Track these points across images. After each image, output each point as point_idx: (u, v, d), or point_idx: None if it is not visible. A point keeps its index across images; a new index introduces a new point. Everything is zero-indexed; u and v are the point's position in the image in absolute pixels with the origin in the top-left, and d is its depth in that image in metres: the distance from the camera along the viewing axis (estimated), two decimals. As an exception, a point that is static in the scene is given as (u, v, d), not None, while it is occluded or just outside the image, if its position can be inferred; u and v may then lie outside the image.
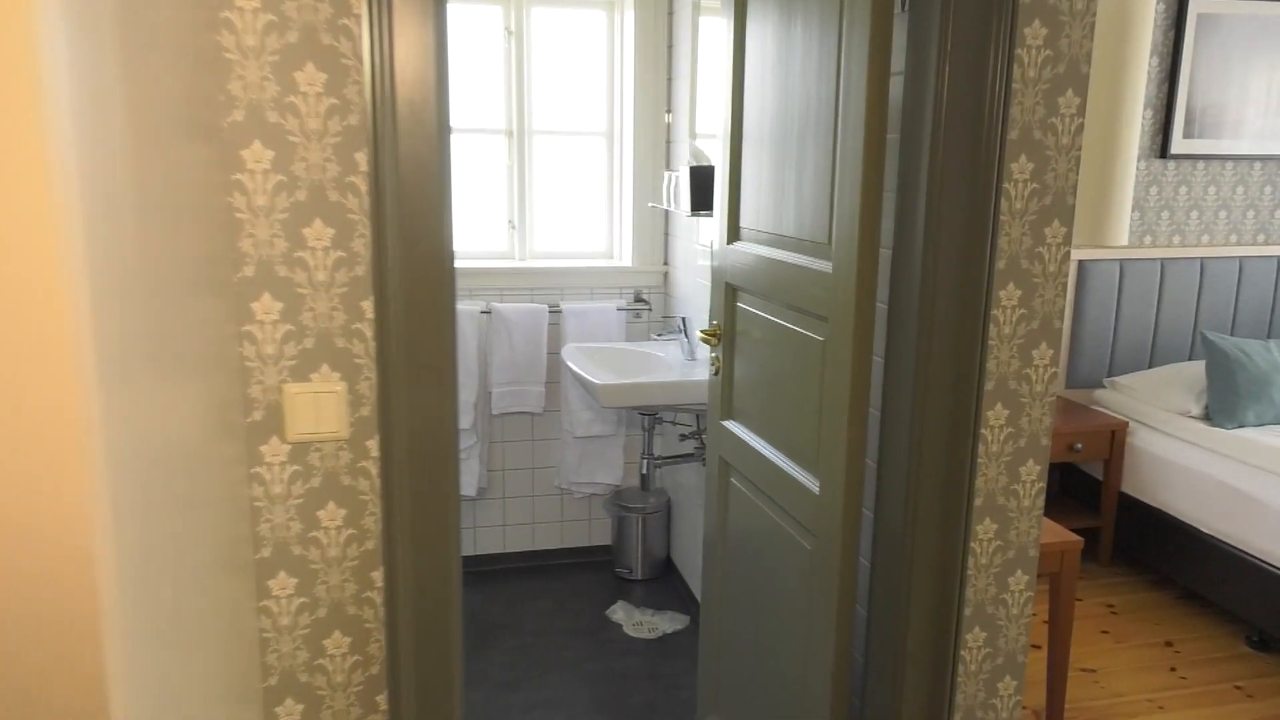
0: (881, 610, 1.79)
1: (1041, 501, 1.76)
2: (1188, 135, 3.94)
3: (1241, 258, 4.06)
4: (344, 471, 1.43)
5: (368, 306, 1.39)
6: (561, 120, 3.49)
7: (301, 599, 1.46)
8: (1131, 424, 3.77)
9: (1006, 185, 1.59)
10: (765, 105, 2.10)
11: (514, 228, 3.51)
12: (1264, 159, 4.06)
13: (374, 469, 1.44)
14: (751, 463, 2.23)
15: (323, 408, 1.39)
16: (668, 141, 3.42)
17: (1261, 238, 4.15)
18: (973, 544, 1.74)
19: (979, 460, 1.70)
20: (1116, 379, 3.95)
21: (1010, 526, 1.75)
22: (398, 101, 1.33)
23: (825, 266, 1.82)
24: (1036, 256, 1.64)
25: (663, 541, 3.58)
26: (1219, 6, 3.83)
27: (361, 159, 1.36)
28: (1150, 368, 4.02)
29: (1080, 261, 3.93)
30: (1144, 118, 3.90)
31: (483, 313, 3.31)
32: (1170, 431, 3.65)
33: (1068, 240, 1.65)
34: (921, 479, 1.69)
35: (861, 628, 1.93)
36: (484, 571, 3.57)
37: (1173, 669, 3.07)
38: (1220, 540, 3.29)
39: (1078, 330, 3.98)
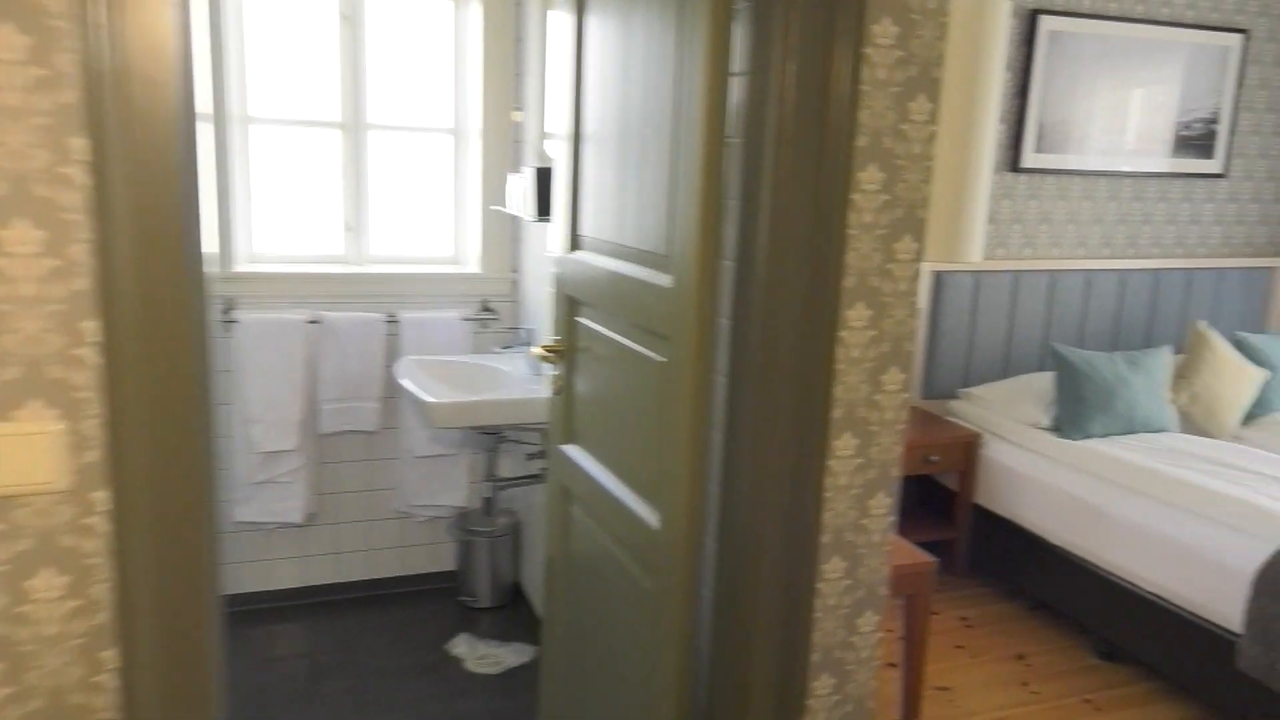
0: (724, 656, 1.63)
1: (891, 536, 1.63)
2: (1039, 150, 4.00)
3: (1088, 271, 4.15)
4: (63, 531, 1.17)
5: (92, 328, 1.13)
6: (403, 115, 3.23)
7: (8, 689, 1.18)
8: (985, 435, 3.78)
9: (855, 196, 1.46)
10: (606, 104, 1.92)
11: (350, 230, 3.22)
12: (1108, 175, 4.16)
13: (104, 526, 1.18)
14: (593, 492, 2.05)
15: (33, 453, 1.12)
16: (517, 141, 3.21)
17: (1107, 251, 4.26)
18: (820, 584, 1.60)
19: (826, 494, 1.56)
20: (971, 390, 3.97)
21: (860, 564, 1.62)
22: (130, 75, 1.08)
23: (665, 281, 1.66)
24: (887, 274, 1.51)
25: (511, 566, 3.36)
26: (1068, 25, 3.90)
27: (80, 145, 1.10)
28: (1004, 379, 4.06)
29: (937, 272, 3.93)
30: (998, 131, 3.93)
31: (310, 322, 3.01)
32: (1021, 443, 3.67)
33: (919, 257, 1.53)
34: (765, 515, 1.54)
35: (707, 670, 1.77)
36: (314, 604, 3.27)
37: (1025, 683, 3.06)
38: (1069, 552, 3.32)
39: (934, 341, 3.98)
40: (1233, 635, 2.71)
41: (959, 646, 3.29)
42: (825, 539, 1.59)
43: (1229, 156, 4.35)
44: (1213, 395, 3.76)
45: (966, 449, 3.69)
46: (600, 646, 2.09)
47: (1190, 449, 3.39)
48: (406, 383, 2.66)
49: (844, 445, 1.56)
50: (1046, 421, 3.67)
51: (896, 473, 1.61)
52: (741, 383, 1.52)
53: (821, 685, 1.65)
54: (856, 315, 1.51)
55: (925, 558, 2.59)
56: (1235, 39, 4.20)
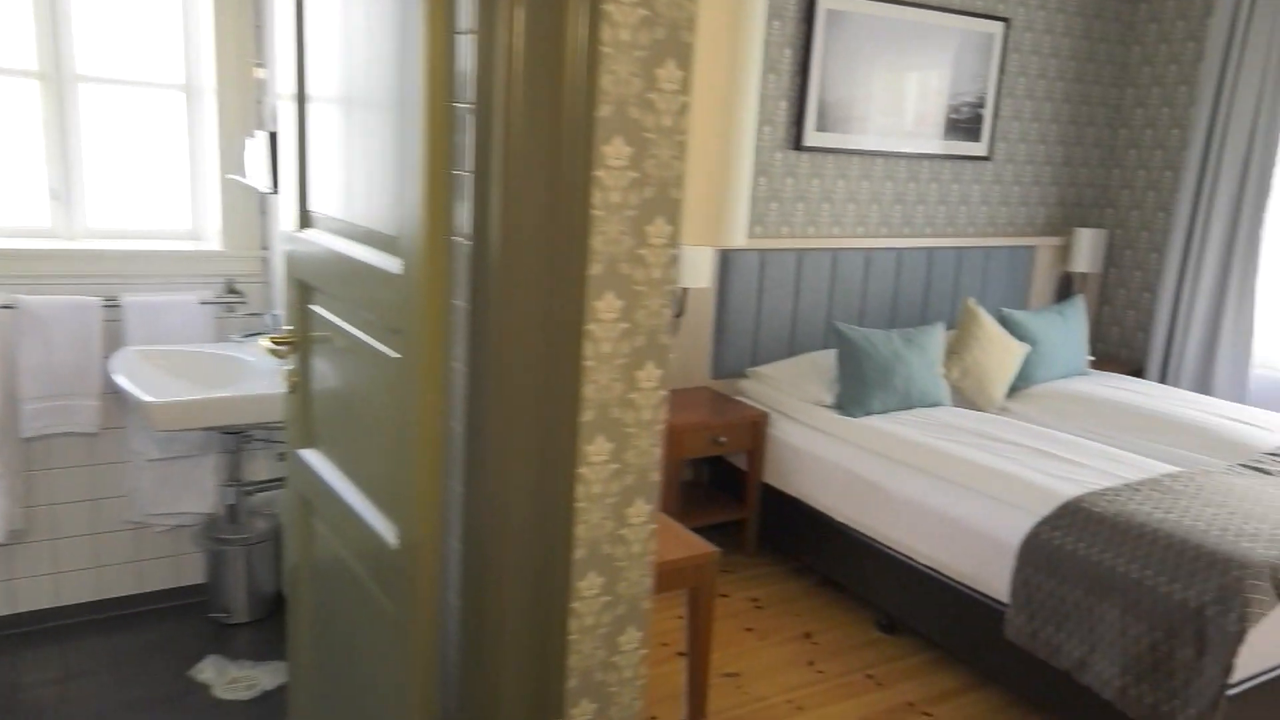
0: (472, 686, 1.44)
1: (654, 545, 1.50)
2: (820, 128, 4.01)
3: (868, 249, 4.24)
4: None
5: None
6: (121, 66, 2.79)
7: None
8: (772, 414, 3.78)
9: (599, 173, 1.29)
10: (330, 61, 1.66)
11: (57, 199, 2.77)
12: (886, 155, 4.24)
13: None
14: (332, 504, 1.80)
15: None
16: (259, 101, 2.85)
17: (885, 230, 4.36)
18: (575, 603, 1.44)
19: (579, 504, 1.40)
20: (760, 369, 3.96)
21: (619, 578, 1.48)
22: None
23: (395, 266, 1.44)
24: (639, 260, 1.36)
25: (271, 576, 3.03)
26: (846, 4, 3.92)
27: None
28: (792, 357, 4.08)
29: (723, 251, 3.87)
30: (780, 109, 3.91)
31: (3, 308, 2.56)
32: (806, 421, 3.69)
33: (675, 241, 1.38)
34: (512, 531, 1.36)
35: (456, 702, 1.58)
36: (28, 633, 2.83)
37: (811, 662, 3.07)
38: (851, 528, 3.36)
39: (722, 320, 3.94)
40: (1001, 605, 2.80)
41: (748, 629, 3.26)
42: (580, 554, 1.42)
43: (993, 140, 4.55)
44: (981, 370, 3.93)
45: (754, 429, 3.67)
46: (347, 672, 1.86)
47: (962, 423, 3.50)
48: (121, 379, 2.29)
49: (597, 450, 1.40)
50: (830, 399, 3.71)
51: (657, 477, 1.47)
52: (482, 386, 1.32)
53: (581, 711, 1.50)
54: (606, 306, 1.34)
55: (706, 548, 2.51)
56: (998, 26, 4.38)
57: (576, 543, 1.42)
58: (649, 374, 1.42)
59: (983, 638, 2.87)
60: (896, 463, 3.28)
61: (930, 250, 4.41)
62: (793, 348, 4.14)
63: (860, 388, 3.62)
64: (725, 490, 3.97)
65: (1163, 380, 4.63)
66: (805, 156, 4.04)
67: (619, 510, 1.44)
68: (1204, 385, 4.49)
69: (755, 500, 3.75)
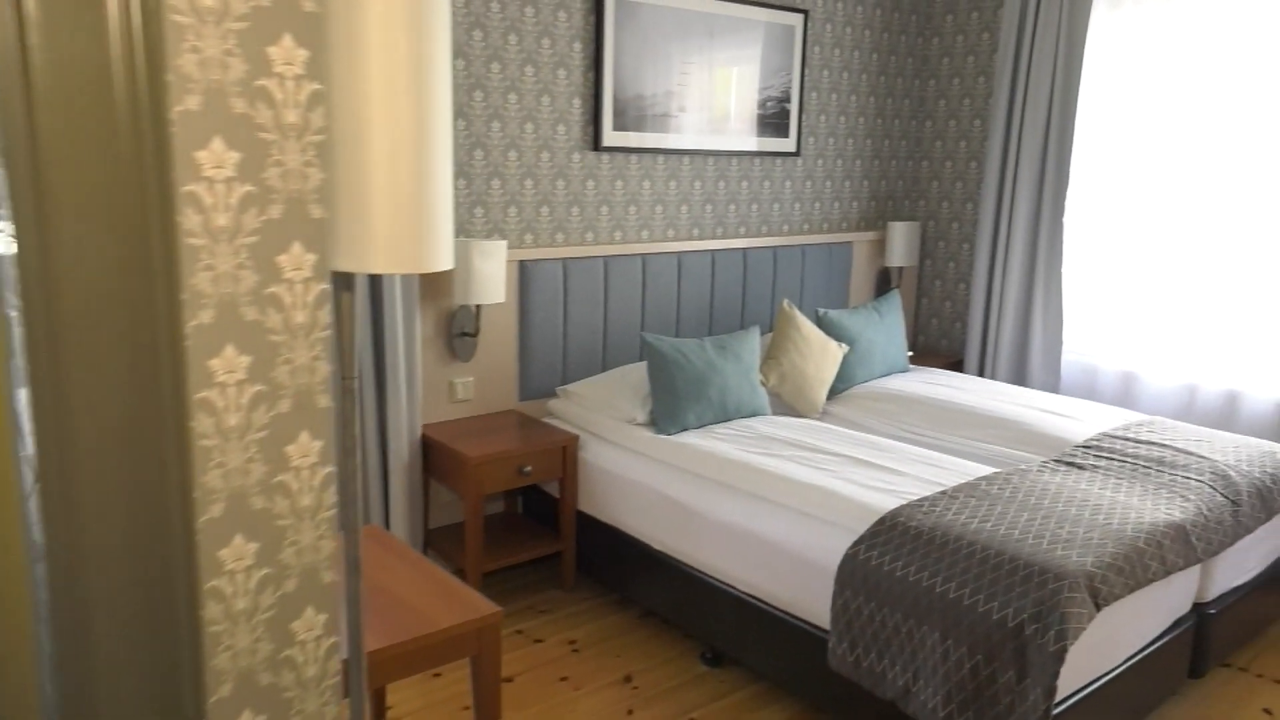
0: None
1: (334, 664, 1.16)
2: (619, 127, 3.76)
3: (680, 253, 4.02)
4: None
5: None
6: None
7: None
8: (583, 436, 3.50)
9: (195, 187, 0.94)
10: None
11: None
12: (692, 153, 4.03)
13: None
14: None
15: None
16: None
17: (696, 232, 4.15)
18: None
19: (214, 628, 1.05)
20: (569, 387, 3.67)
21: (289, 712, 1.13)
22: None
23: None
24: (271, 301, 1.02)
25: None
26: (638, -7, 3.68)
27: None
28: (604, 372, 3.81)
29: (522, 262, 3.56)
30: (574, 108, 3.63)
31: None
32: (619, 442, 3.43)
33: (322, 273, 1.05)
34: (117, 696, 1.00)
35: None
36: None
37: (630, 711, 2.79)
38: (669, 555, 3.11)
39: (525, 336, 3.62)
40: (824, 633, 2.60)
41: (563, 679, 2.96)
42: (225, 692, 1.07)
43: (801, 135, 4.43)
44: (800, 374, 3.76)
45: (564, 454, 3.38)
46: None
47: (780, 434, 3.31)
48: None
49: (235, 554, 1.05)
50: (643, 417, 3.45)
51: (331, 577, 1.13)
52: (51, 498, 0.95)
53: None
54: (226, 365, 1.00)
55: (488, 609, 2.18)
56: (797, 18, 4.24)
57: (221, 678, 1.07)
58: (304, 447, 1.08)
59: (809, 668, 2.67)
60: (712, 483, 3.05)
61: (745, 251, 4.23)
62: (605, 362, 3.87)
63: (673, 403, 3.38)
64: (542, 520, 3.66)
65: (981, 371, 4.63)
66: (606, 157, 3.78)
67: (278, 627, 1.10)
68: (1019, 374, 4.50)
69: (571, 531, 3.45)
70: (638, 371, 3.65)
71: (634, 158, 3.86)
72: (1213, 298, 3.92)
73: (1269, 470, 2.97)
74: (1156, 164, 4.04)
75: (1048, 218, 4.30)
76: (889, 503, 2.69)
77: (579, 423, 3.57)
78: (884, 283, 4.94)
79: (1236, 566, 2.89)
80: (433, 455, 3.35)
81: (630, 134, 3.80)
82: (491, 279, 3.27)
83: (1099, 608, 2.26)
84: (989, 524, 2.51)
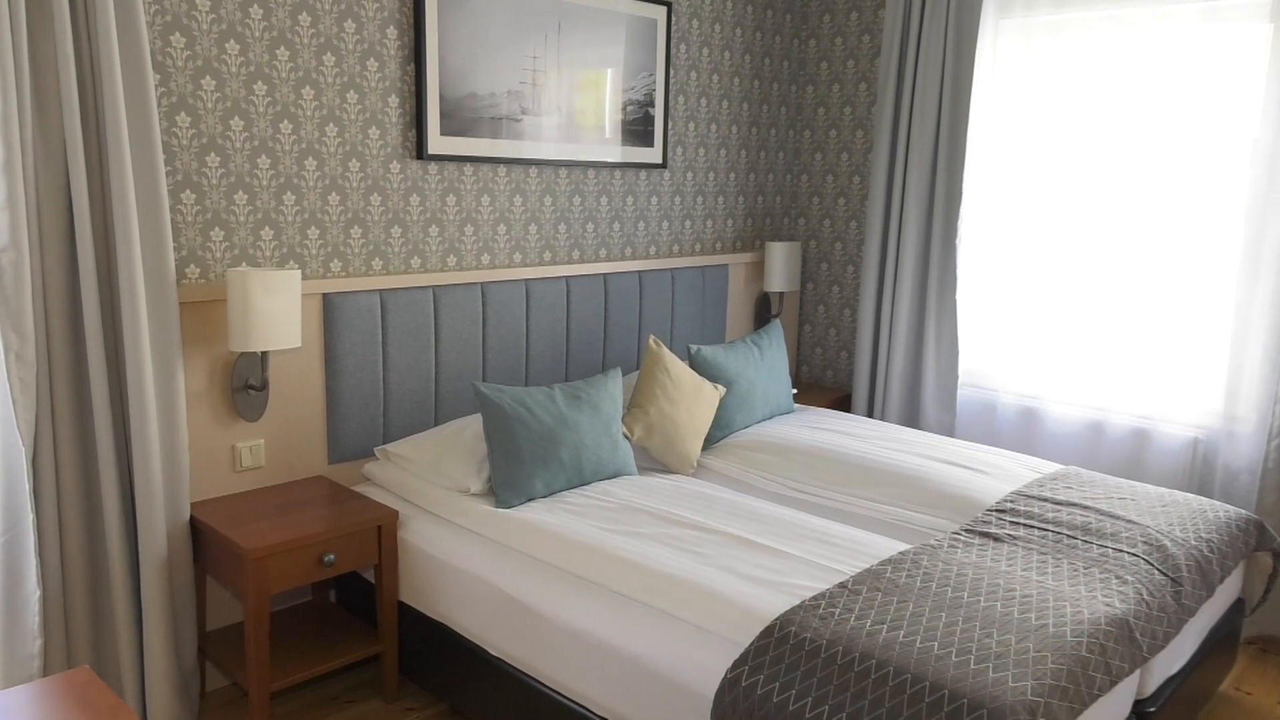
0: None
1: None
2: (449, 132, 3.12)
3: (528, 280, 3.40)
4: None
5: None
6: None
7: None
8: (406, 510, 2.84)
9: None
10: None
11: None
12: (540, 164, 3.43)
13: None
14: None
15: None
16: None
17: (548, 256, 3.54)
18: None
19: None
20: (391, 446, 3.00)
21: None
22: None
23: None
24: None
25: None
26: (469, -29, 3.06)
27: None
28: (434, 427, 3.15)
29: (326, 295, 2.88)
30: (389, 107, 2.98)
31: None
32: (448, 517, 2.78)
33: None
34: None
35: None
36: None
37: None
38: (509, 665, 2.48)
39: (334, 386, 2.94)
40: (695, 774, 2.03)
41: (370, 835, 2.29)
42: None
43: (668, 145, 3.89)
44: (670, 424, 3.20)
45: (380, 535, 2.71)
46: None
47: (646, 502, 2.74)
48: None
49: None
50: (479, 485, 2.82)
51: None
52: None
53: None
54: None
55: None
56: (659, 11, 3.70)
57: None
58: None
59: (680, 817, 2.08)
60: (561, 573, 2.44)
61: (605, 277, 3.65)
62: (439, 415, 3.22)
63: (515, 468, 2.76)
64: (361, 612, 2.98)
65: (871, 408, 4.18)
66: (433, 167, 3.13)
67: None
68: (912, 410, 4.07)
69: (392, 628, 2.78)
70: (475, 426, 3.01)
71: (469, 168, 3.23)
72: (1117, 327, 3.56)
73: (1204, 536, 2.57)
74: (1056, 181, 3.67)
75: (939, 238, 3.88)
76: (777, 604, 2.14)
77: (402, 491, 2.91)
78: (763, 310, 4.45)
79: (1175, 652, 2.47)
80: (203, 544, 2.63)
81: (463, 140, 3.16)
82: (280, 318, 2.57)
83: (1043, 746, 1.77)
84: (901, 633, 1.99)
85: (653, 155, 3.80)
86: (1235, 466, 3.26)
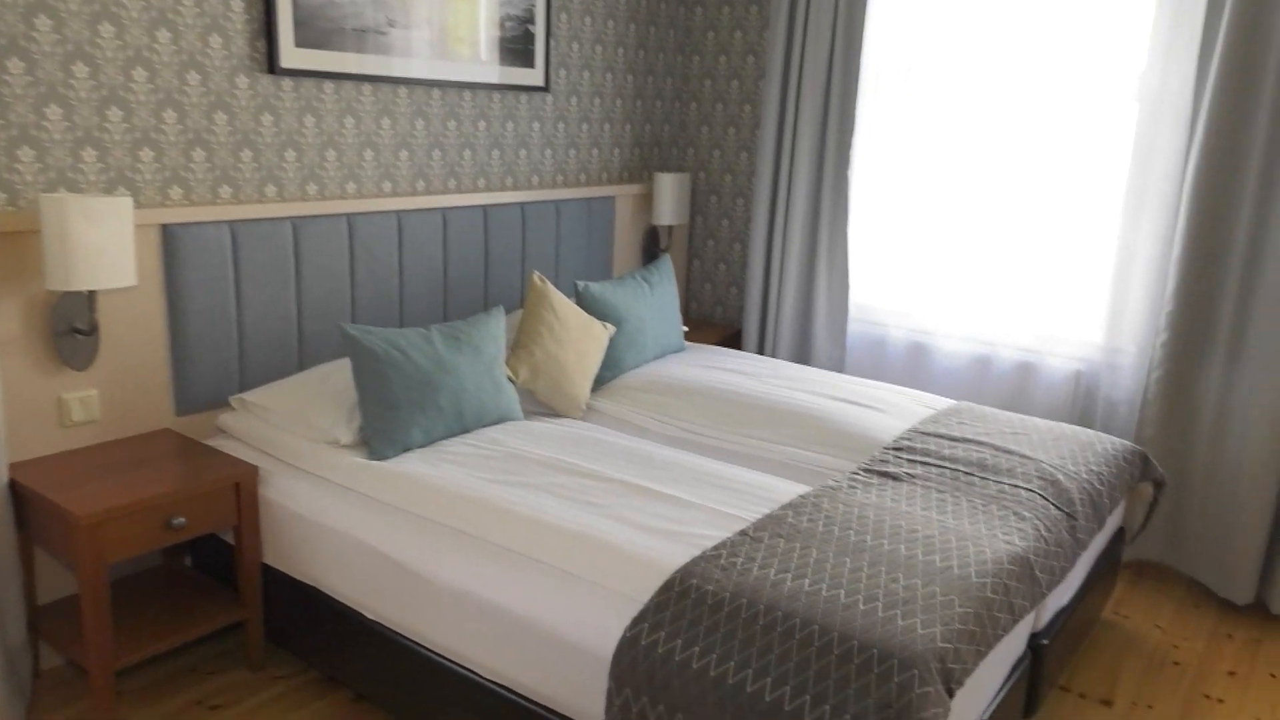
0: None
1: None
2: (304, 43, 2.79)
3: (400, 212, 3.12)
4: None
5: None
6: None
7: None
8: (267, 465, 2.58)
9: None
10: None
11: None
12: (410, 84, 3.12)
13: None
14: None
15: None
16: None
17: (421, 184, 3.26)
18: None
19: None
20: (248, 395, 2.71)
21: None
22: None
23: None
24: None
25: None
26: None
27: None
28: (299, 373, 2.87)
29: (166, 226, 2.54)
30: (232, 11, 2.62)
31: None
32: (316, 471, 2.54)
33: None
34: None
35: None
36: None
37: None
38: (388, 629, 2.29)
39: (179, 329, 2.62)
40: (594, 738, 1.90)
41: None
42: None
43: (550, 66, 3.63)
44: (557, 366, 3.01)
45: (239, 493, 2.44)
46: None
47: (533, 449, 2.56)
48: None
49: None
50: (350, 436, 2.58)
51: None
52: None
53: None
54: None
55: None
56: (543, -85, 3.41)
57: None
58: None
59: (577, 782, 1.96)
60: (442, 529, 2.25)
61: (485, 209, 3.40)
62: (303, 359, 2.94)
63: (390, 416, 2.53)
64: (220, 576, 2.71)
65: (762, 345, 4.09)
66: (288, 83, 2.80)
67: None
68: (804, 345, 4.00)
69: (255, 593, 2.54)
70: (345, 372, 2.76)
71: (329, 86, 2.90)
72: (1005, 261, 3.55)
73: (1094, 469, 2.58)
74: (947, 114, 3.60)
75: (831, 170, 3.78)
76: (676, 556, 2.01)
77: (263, 444, 2.64)
78: (652, 244, 4.28)
79: (1067, 585, 2.48)
80: (28, 509, 2.31)
81: (322, 53, 2.83)
82: (109, 252, 2.24)
83: (951, 694, 1.70)
84: (806, 582, 1.89)
85: (534, 77, 3.54)
86: (1115, 398, 3.31)
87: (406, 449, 2.55)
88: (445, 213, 3.26)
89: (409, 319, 3.20)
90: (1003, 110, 3.47)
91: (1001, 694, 2.12)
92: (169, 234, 2.55)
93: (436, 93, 3.22)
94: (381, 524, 2.30)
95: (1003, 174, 3.51)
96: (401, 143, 3.15)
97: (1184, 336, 3.08)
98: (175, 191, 2.59)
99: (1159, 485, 2.87)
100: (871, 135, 3.78)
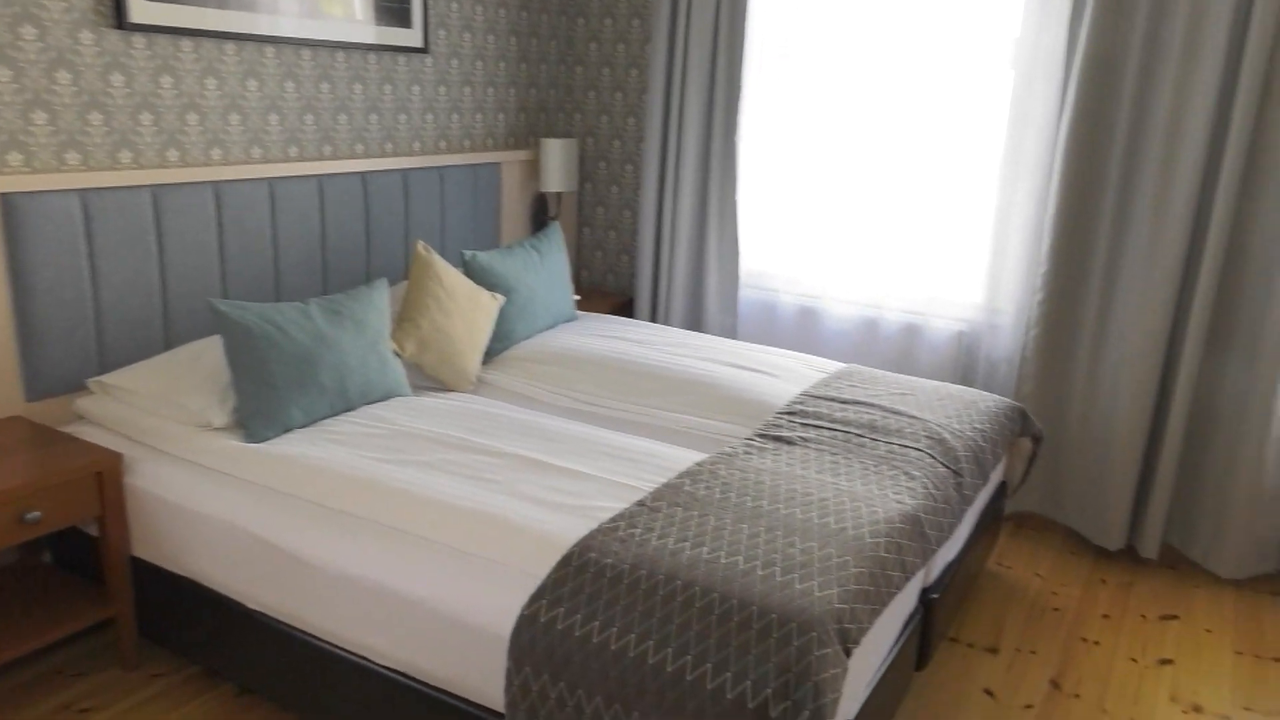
0: None
1: None
2: (158, -5, 2.58)
3: (271, 179, 2.95)
4: None
5: None
6: None
7: None
8: (133, 451, 2.41)
9: None
10: None
11: None
12: (277, 42, 2.94)
13: None
14: None
15: None
16: None
17: (294, 150, 3.09)
18: None
19: None
20: (108, 377, 2.52)
21: None
22: None
23: None
24: None
25: None
26: None
27: None
28: (165, 352, 2.69)
29: (4, 195, 2.33)
30: (74, -44, 2.40)
31: None
32: (187, 456, 2.38)
33: None
34: None
35: None
36: None
37: None
38: (273, 619, 2.18)
39: (25, 307, 2.42)
40: None
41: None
42: None
43: (429, 26, 3.48)
44: (445, 338, 2.91)
45: (103, 482, 2.28)
46: None
47: (422, 425, 2.47)
48: None
49: None
50: (224, 418, 2.43)
51: None
52: None
53: None
54: None
55: None
56: None
57: None
58: None
59: (477, 766, 1.91)
60: (328, 514, 2.14)
61: (364, 176, 3.25)
62: (169, 337, 2.75)
63: (267, 395, 2.39)
64: (84, 572, 2.53)
65: (654, 313, 4.07)
66: (140, 40, 2.59)
67: None
68: (695, 313, 4.00)
69: (125, 588, 2.38)
70: (216, 350, 2.60)
71: (187, 43, 2.70)
72: (890, 226, 3.61)
73: (978, 427, 2.65)
74: (833, 80, 3.62)
75: (719, 135, 3.76)
76: (574, 530, 1.96)
77: (127, 430, 2.47)
78: (541, 211, 4.19)
79: (954, 539, 2.55)
80: None
81: (177, 8, 2.63)
82: (-61, 226, 2.03)
83: (849, 653, 1.72)
84: (705, 550, 1.88)
85: (412, 38, 3.39)
86: (995, 357, 3.42)
87: (286, 429, 2.42)
88: (321, 180, 3.10)
89: (286, 293, 3.04)
90: (886, 78, 3.51)
91: (895, 649, 2.17)
92: (8, 204, 2.33)
93: (307, 53, 3.05)
94: (262, 509, 2.18)
95: (887, 141, 3.56)
96: (270, 106, 2.97)
97: (1058, 295, 3.19)
98: (14, 157, 2.37)
99: (1037, 440, 2.98)
100: (759, 103, 3.78)
